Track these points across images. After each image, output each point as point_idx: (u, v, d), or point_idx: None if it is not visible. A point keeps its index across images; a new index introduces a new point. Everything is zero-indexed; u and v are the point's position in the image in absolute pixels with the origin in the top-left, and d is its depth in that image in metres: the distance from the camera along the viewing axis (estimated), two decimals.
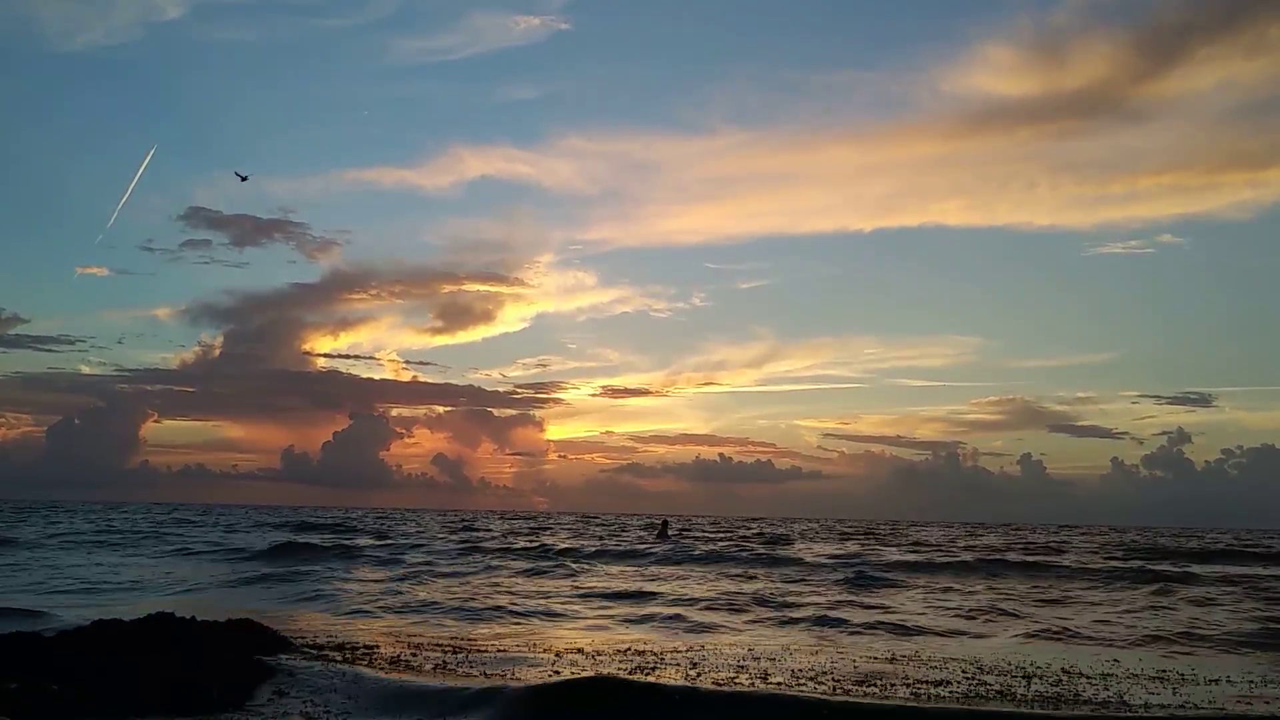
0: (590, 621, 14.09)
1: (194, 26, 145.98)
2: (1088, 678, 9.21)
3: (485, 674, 8.93)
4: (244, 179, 51.74)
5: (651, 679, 8.57)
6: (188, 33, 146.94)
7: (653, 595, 17.53)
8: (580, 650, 10.67)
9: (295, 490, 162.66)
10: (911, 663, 10.04)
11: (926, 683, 8.71)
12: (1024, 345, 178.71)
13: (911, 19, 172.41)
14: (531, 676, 8.70)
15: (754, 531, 55.61)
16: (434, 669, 9.15)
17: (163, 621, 9.06)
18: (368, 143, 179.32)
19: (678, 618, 14.37)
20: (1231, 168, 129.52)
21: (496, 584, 19.91)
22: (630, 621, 14.06)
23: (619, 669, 9.26)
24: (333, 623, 13.31)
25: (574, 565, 25.14)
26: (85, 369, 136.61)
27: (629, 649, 10.80)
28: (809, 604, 16.25)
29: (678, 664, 9.67)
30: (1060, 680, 9.01)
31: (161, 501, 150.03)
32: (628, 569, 24.81)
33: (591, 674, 8.77)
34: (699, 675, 8.87)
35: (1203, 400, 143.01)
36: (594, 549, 31.53)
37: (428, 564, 25.18)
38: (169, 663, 8.24)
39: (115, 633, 9.01)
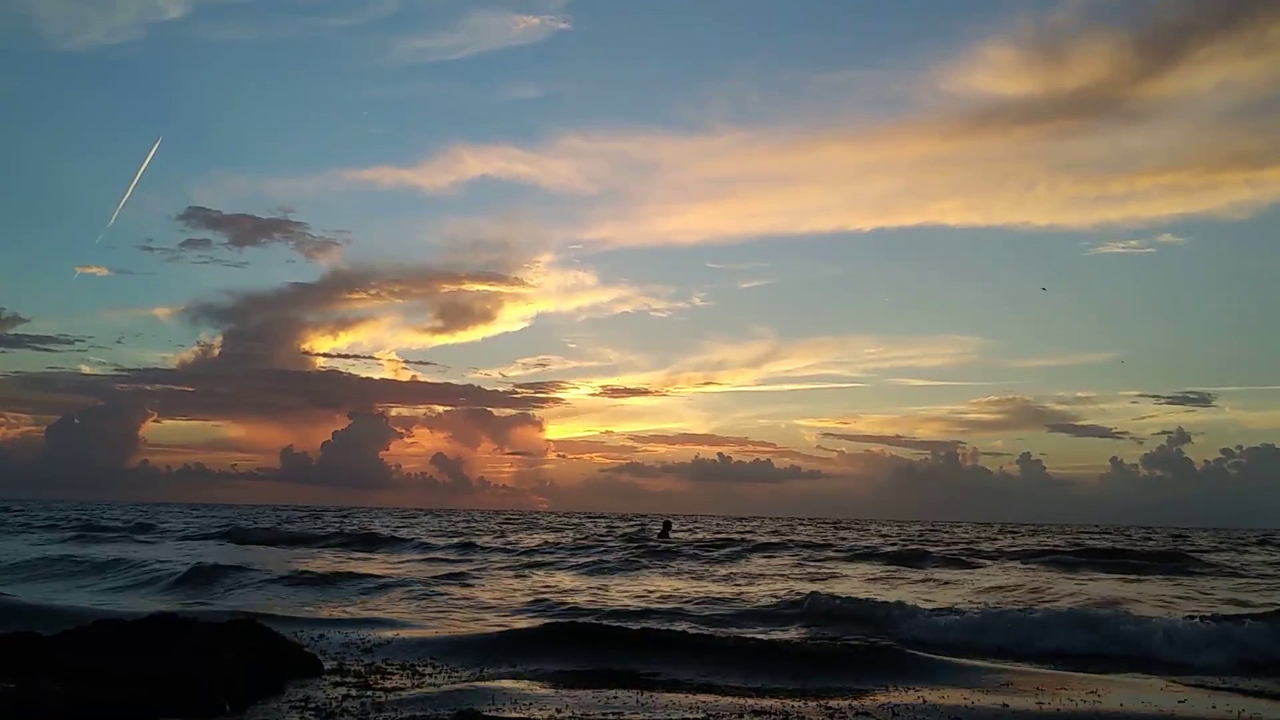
0: None
1: (194, 26, 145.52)
2: None
3: None
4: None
5: None
6: (188, 32, 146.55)
7: None
8: None
9: (294, 490, 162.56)
10: None
11: None
12: (1024, 345, 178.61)
13: (911, 19, 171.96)
14: None
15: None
16: None
17: (165, 621, 9.00)
18: (368, 143, 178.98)
19: None
20: (1231, 167, 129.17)
21: None
22: None
23: None
24: None
25: None
26: (85, 368, 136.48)
27: None
28: None
29: None
30: None
31: (161, 501, 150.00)
32: None
33: None
34: None
35: (1203, 400, 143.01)
36: None
37: None
38: (170, 663, 8.16)
39: (115, 632, 8.94)
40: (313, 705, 7.45)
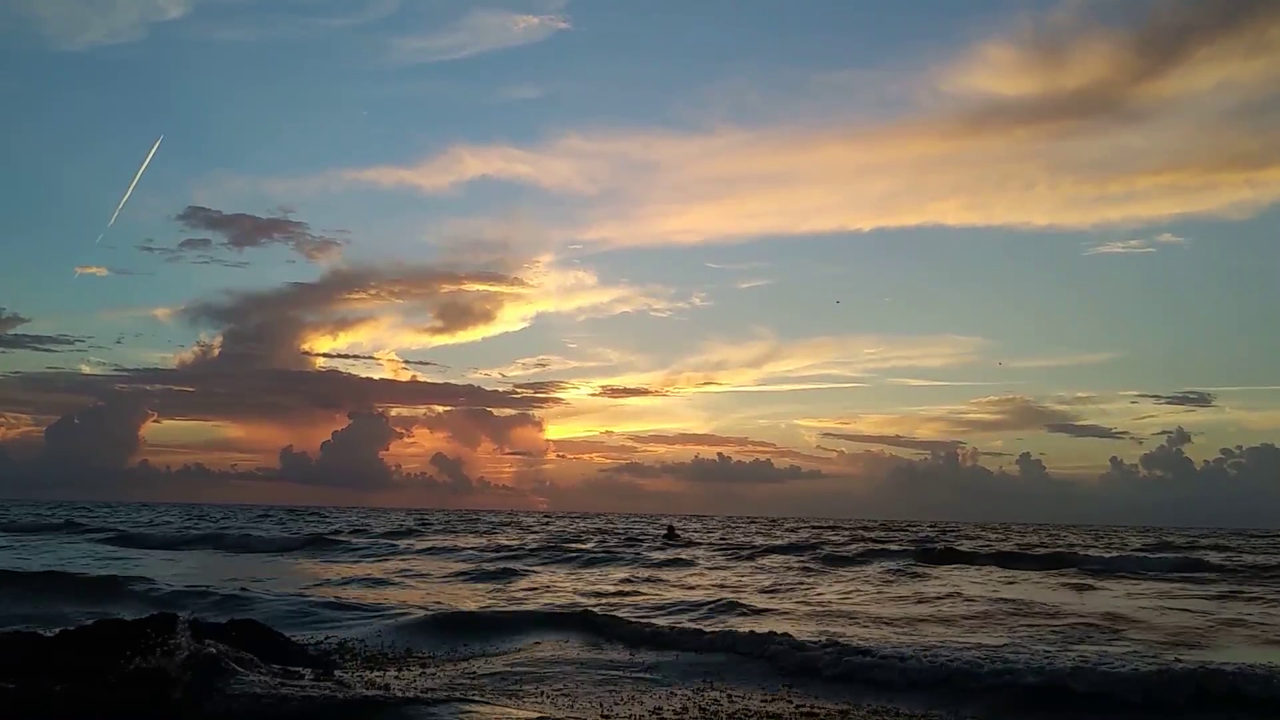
0: None
1: (194, 26, 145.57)
2: None
3: None
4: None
5: None
6: (188, 32, 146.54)
7: None
8: None
9: (294, 490, 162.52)
10: None
11: None
12: (1024, 345, 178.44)
13: (911, 19, 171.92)
14: None
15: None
16: None
17: (166, 622, 8.96)
18: (367, 143, 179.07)
19: None
20: (1231, 167, 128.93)
21: None
22: None
23: None
24: None
25: None
26: (85, 369, 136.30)
27: None
28: None
29: None
30: None
31: (160, 501, 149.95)
32: None
33: None
34: None
35: (1202, 400, 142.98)
36: None
37: None
38: (170, 663, 8.13)
39: (116, 632, 8.91)
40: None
